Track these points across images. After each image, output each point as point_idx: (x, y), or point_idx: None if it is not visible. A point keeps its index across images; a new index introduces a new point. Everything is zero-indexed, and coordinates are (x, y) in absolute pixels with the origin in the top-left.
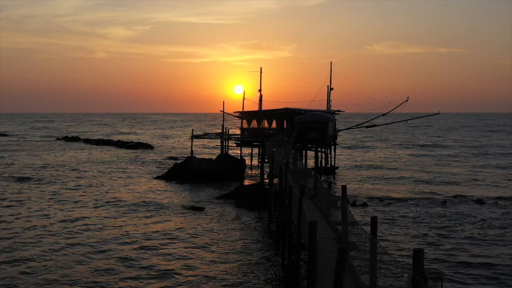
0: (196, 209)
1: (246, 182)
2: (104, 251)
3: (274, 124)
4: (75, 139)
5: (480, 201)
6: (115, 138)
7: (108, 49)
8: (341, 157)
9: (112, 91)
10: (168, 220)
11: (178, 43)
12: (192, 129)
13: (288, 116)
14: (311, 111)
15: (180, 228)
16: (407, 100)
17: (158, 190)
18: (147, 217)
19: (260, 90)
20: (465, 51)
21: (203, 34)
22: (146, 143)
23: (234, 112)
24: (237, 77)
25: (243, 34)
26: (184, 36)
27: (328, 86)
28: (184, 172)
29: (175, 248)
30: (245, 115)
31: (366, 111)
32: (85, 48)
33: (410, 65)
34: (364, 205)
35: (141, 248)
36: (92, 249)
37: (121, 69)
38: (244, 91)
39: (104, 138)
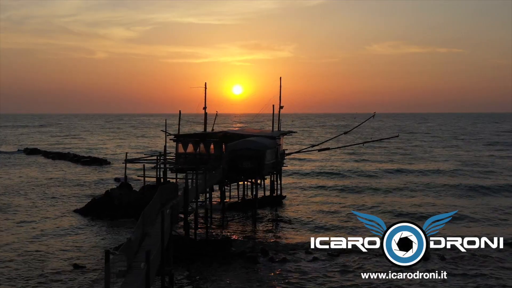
0: (77, 267)
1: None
2: None
3: (212, 149)
4: (34, 151)
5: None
6: (78, 150)
7: (108, 49)
8: (289, 183)
9: (112, 91)
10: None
11: (178, 44)
12: (126, 153)
13: (227, 141)
14: (251, 135)
15: None
16: (373, 116)
17: (57, 232)
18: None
19: (204, 108)
20: (465, 51)
21: (203, 35)
22: (102, 158)
23: (169, 136)
24: (237, 77)
25: (243, 34)
26: (184, 37)
27: (273, 105)
28: (104, 206)
29: None
30: (180, 138)
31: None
32: (85, 49)
33: (410, 65)
34: (283, 261)
35: None
36: None
37: (121, 70)
38: (180, 110)
39: (63, 152)
